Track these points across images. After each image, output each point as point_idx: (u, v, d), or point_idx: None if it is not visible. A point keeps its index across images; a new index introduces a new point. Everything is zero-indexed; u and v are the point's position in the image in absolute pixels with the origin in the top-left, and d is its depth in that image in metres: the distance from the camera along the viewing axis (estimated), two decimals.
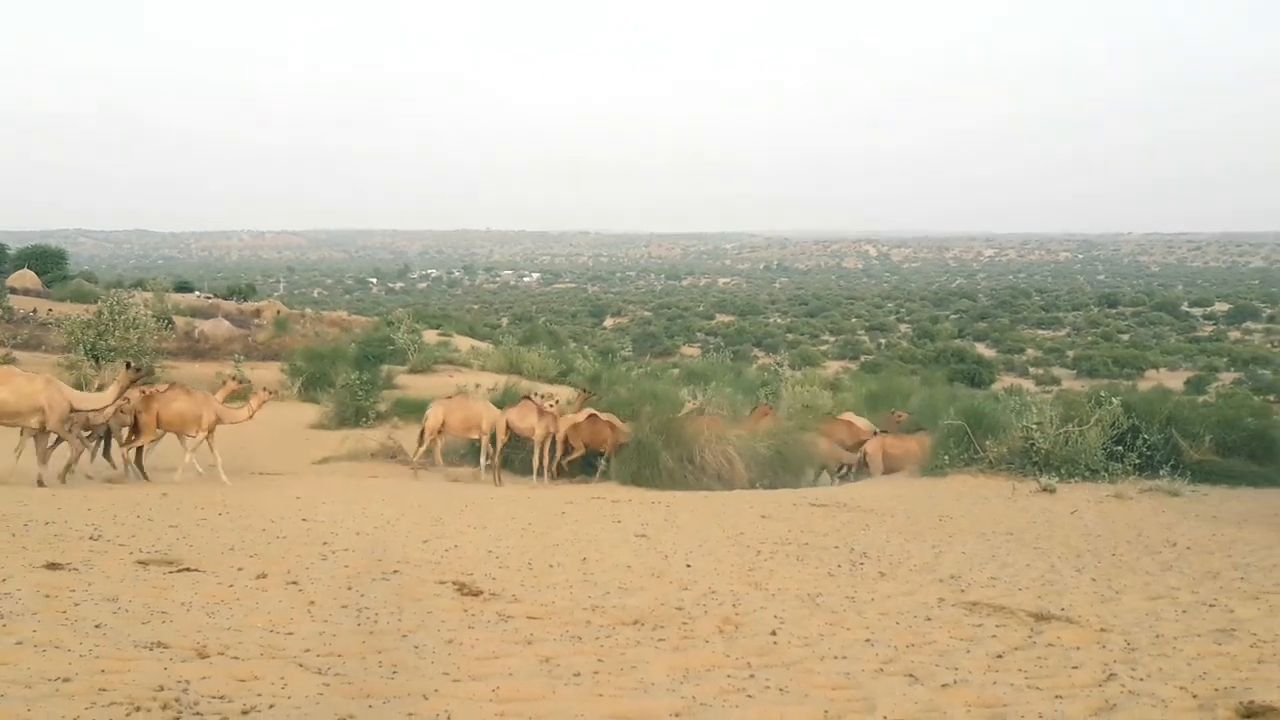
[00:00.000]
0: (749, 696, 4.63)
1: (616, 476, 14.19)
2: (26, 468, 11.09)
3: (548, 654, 5.17)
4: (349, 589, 6.39)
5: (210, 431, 12.08)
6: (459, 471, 15.07)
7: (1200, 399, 25.35)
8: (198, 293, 65.18)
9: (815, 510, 11.03)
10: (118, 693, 4.15)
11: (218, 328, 38.67)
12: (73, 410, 11.00)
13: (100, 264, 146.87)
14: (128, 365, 11.66)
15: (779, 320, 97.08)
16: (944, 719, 4.43)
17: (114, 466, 12.32)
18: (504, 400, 17.04)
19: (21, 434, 11.35)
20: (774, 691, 4.70)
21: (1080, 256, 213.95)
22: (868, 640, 5.66)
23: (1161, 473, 12.48)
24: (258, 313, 50.62)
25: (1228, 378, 56.32)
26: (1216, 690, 4.79)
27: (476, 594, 6.40)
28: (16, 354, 26.27)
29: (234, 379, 14.12)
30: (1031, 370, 62.82)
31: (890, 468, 15.00)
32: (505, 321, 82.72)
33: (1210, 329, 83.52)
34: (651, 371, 31.97)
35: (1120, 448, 12.96)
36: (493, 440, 14.35)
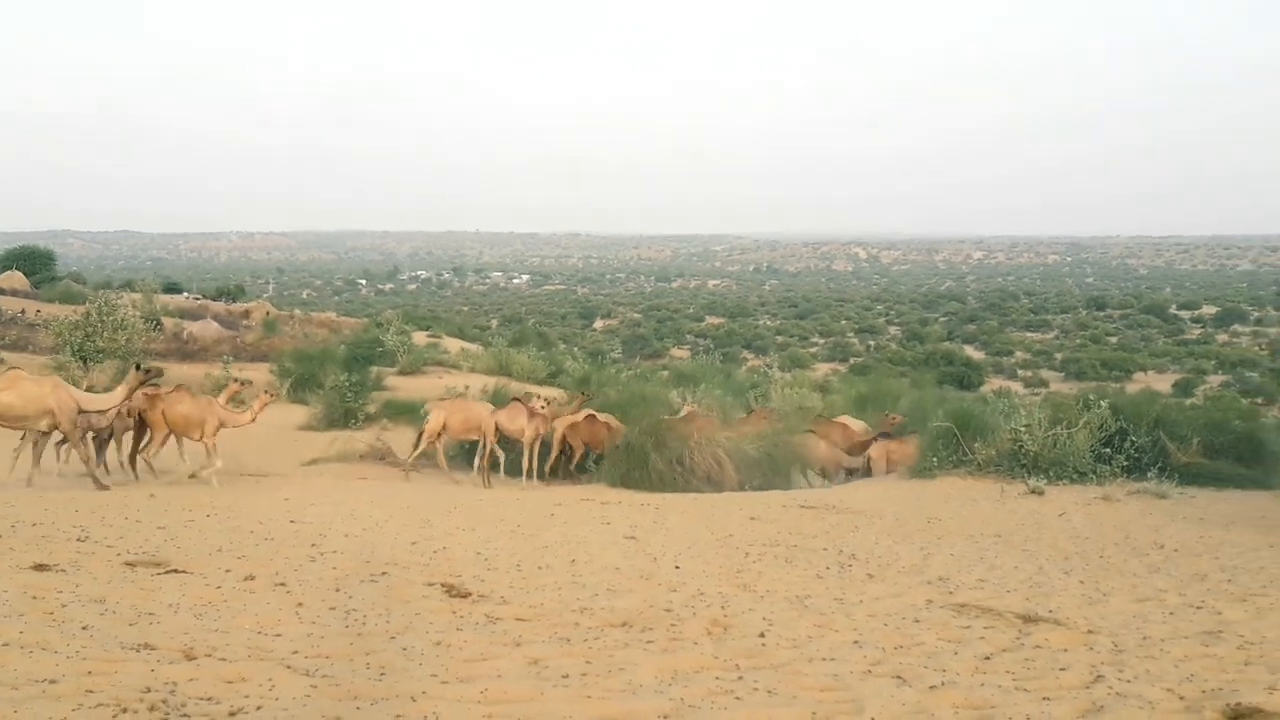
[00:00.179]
0: (737, 698, 4.63)
1: (606, 478, 14.21)
2: (23, 469, 11.06)
3: (536, 656, 5.17)
4: (337, 591, 6.37)
5: (214, 435, 12.03)
6: (459, 475, 15.01)
7: (1188, 401, 25.45)
8: (186, 294, 65.07)
9: (804, 512, 11.03)
10: (105, 694, 4.13)
11: (206, 329, 38.58)
12: (80, 411, 10.97)
13: (88, 265, 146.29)
14: (137, 367, 11.58)
15: (768, 322, 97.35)
16: None
17: (133, 473, 12.19)
18: (494, 402, 17.03)
19: (23, 437, 11.28)
20: (762, 693, 4.70)
21: (1069, 259, 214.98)
22: (856, 642, 5.66)
23: (1149, 475, 12.50)
24: (246, 314, 50.53)
25: (1215, 380, 56.72)
26: (1203, 692, 4.80)
27: (465, 596, 6.39)
28: (4, 355, 26.15)
29: (236, 381, 14.03)
30: (1020, 372, 63.19)
31: (894, 472, 14.92)
32: (495, 323, 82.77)
33: (1198, 332, 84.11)
34: (641, 373, 31.98)
35: (1108, 450, 12.97)
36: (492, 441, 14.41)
